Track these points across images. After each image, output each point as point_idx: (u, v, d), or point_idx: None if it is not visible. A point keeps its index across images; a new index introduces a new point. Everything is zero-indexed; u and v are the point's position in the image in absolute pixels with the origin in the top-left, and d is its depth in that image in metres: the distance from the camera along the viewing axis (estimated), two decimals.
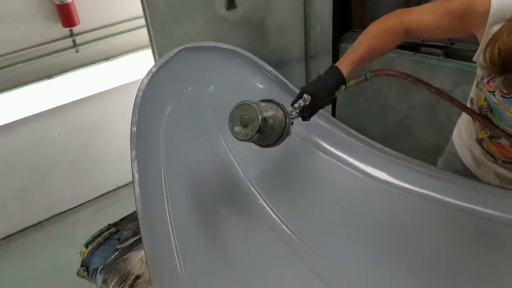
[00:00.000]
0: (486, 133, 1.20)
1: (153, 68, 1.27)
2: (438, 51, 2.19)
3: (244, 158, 1.31)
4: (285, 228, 1.22)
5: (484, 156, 1.28)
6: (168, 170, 1.23)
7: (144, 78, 1.25)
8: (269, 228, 1.21)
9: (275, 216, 1.23)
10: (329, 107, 2.45)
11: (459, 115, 2.19)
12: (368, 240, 1.19)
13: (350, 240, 1.20)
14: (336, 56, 2.52)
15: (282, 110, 0.99)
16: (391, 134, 2.48)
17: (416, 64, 2.19)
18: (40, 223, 2.80)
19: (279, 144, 1.01)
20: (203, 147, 1.32)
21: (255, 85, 1.43)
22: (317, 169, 1.32)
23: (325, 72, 1.11)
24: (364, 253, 1.17)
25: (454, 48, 2.19)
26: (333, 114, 2.51)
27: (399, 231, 1.20)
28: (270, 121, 0.94)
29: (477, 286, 1.05)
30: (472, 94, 1.24)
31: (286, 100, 1.41)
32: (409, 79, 1.18)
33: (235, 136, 0.94)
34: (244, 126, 0.92)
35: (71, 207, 2.86)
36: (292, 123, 1.01)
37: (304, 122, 1.10)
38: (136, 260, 1.36)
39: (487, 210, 1.13)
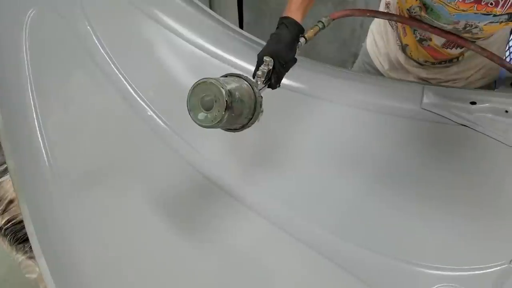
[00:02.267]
0: (416, 36, 1.17)
1: None
2: None
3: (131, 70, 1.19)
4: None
5: (407, 62, 1.26)
6: (36, 80, 1.08)
7: None
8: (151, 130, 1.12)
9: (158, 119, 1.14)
10: None
11: (361, 26, 2.20)
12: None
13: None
14: None
15: (246, 80, 0.81)
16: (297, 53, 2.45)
17: None
18: None
19: (254, 122, 0.83)
20: (77, 55, 1.18)
21: None
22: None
23: (277, 28, 0.95)
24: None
25: None
26: None
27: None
28: (237, 93, 0.76)
29: (399, 181, 1.03)
30: None
31: (179, 10, 1.30)
32: (367, 14, 1.11)
33: (201, 125, 0.75)
34: (208, 109, 0.73)
35: None
36: (261, 97, 0.83)
37: None
38: (9, 185, 1.23)
39: (391, 104, 1.12)
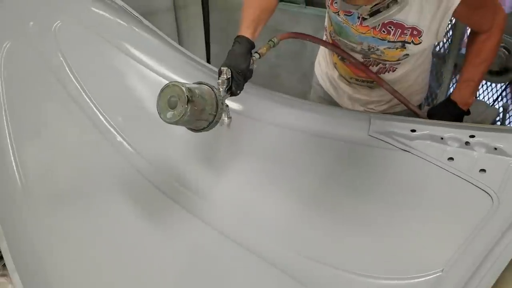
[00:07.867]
0: (338, 56, 1.31)
1: None
2: None
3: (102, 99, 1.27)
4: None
5: (339, 79, 1.41)
6: (10, 107, 1.14)
7: None
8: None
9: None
10: None
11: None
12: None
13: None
14: (206, 6, 2.51)
15: (206, 84, 0.96)
16: (262, 84, 2.57)
17: (280, 12, 2.27)
18: None
19: (219, 119, 0.97)
20: (50, 85, 1.25)
21: (115, 21, 1.37)
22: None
23: (232, 45, 1.10)
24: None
25: None
26: None
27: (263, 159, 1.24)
28: (197, 91, 0.90)
29: (347, 200, 1.12)
30: (325, 23, 1.34)
31: (146, 43, 1.40)
32: (307, 38, 1.26)
33: (170, 122, 0.88)
34: (174, 107, 0.87)
35: None
36: (224, 103, 0.98)
37: None
38: None
39: (342, 132, 1.23)
